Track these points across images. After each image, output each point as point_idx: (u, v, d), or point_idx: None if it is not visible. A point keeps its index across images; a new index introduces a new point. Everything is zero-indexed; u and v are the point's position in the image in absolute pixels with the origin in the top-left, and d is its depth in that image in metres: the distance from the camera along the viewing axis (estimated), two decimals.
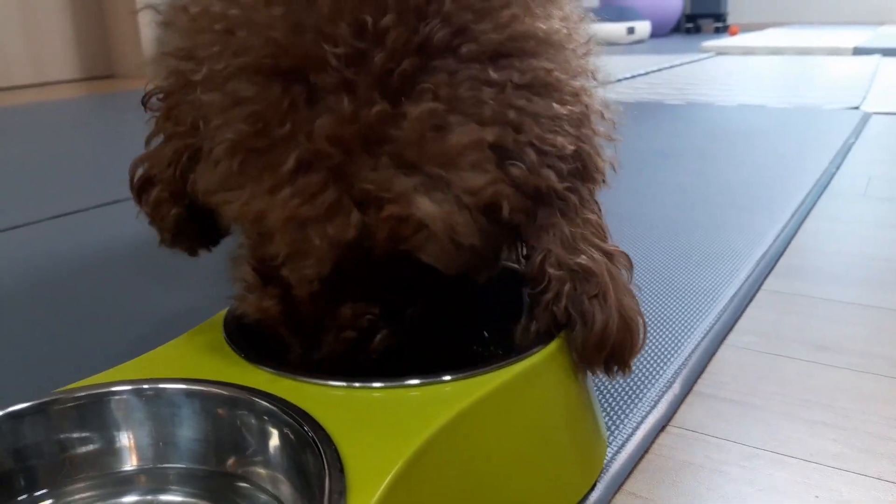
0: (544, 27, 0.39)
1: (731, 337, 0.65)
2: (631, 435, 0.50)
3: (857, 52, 3.01)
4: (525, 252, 0.44)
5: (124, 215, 1.04)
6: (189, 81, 0.40)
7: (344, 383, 0.39)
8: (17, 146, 1.63)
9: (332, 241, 0.36)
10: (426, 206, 0.35)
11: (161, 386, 0.36)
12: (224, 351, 0.42)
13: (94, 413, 0.36)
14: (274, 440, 0.33)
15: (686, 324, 0.66)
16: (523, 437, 0.41)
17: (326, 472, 0.29)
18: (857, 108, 1.77)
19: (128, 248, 0.90)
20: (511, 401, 0.40)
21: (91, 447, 0.35)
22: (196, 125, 0.40)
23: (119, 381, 0.36)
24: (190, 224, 0.46)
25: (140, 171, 0.47)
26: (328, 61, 0.35)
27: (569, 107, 0.39)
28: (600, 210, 0.43)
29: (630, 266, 0.43)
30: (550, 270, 0.40)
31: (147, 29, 2.92)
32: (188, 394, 0.36)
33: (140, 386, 0.36)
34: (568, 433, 0.44)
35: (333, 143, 0.34)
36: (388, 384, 0.39)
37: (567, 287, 0.40)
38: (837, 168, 1.21)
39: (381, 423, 0.35)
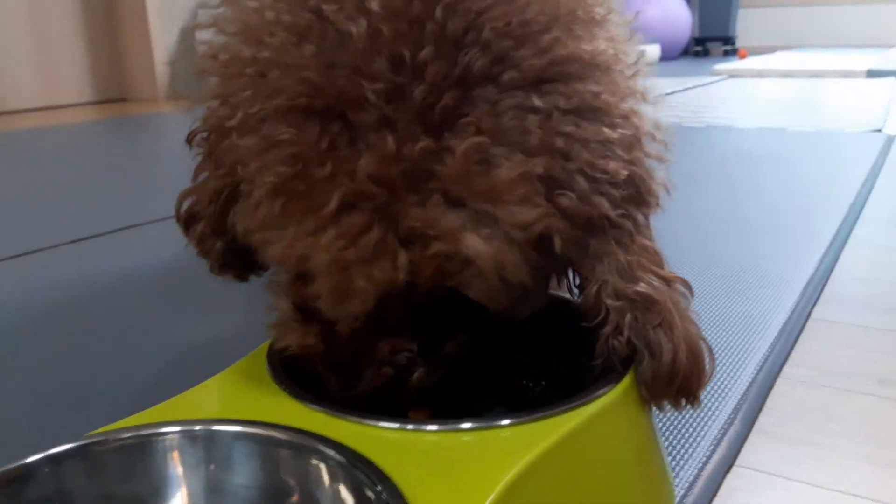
0: (589, 49, 0.38)
1: (787, 370, 0.62)
2: (697, 476, 0.47)
3: (871, 74, 3.00)
4: (578, 282, 0.42)
5: (142, 240, 1.02)
6: (225, 126, 0.40)
7: (398, 425, 0.36)
8: (28, 170, 1.61)
9: (378, 282, 0.35)
10: (474, 243, 0.34)
11: (215, 428, 0.33)
12: (271, 387, 0.40)
13: (141, 457, 0.33)
14: (342, 492, 0.30)
15: (738, 355, 0.63)
16: (594, 486, 0.38)
17: None
18: (879, 130, 1.75)
19: (147, 273, 0.88)
20: (581, 447, 0.37)
21: (138, 494, 0.33)
22: (234, 168, 0.39)
23: (165, 422, 0.33)
24: (235, 255, 0.46)
25: (186, 205, 0.48)
26: (366, 98, 0.34)
27: (619, 130, 0.38)
28: (651, 236, 0.41)
29: (690, 292, 0.41)
30: (608, 301, 0.38)
31: (160, 52, 2.95)
32: (242, 436, 0.33)
33: (191, 427, 0.33)
34: (639, 478, 0.41)
35: (377, 182, 0.33)
36: (442, 428, 0.36)
37: (628, 318, 0.38)
38: (869, 193, 1.19)
39: (446, 474, 0.33)
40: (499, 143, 0.34)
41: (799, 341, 0.67)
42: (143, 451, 0.33)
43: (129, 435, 0.33)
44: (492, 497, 0.31)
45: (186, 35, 3.01)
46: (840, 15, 4.63)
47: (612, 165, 0.36)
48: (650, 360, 0.38)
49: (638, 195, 0.39)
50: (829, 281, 0.82)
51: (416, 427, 0.36)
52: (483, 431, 0.36)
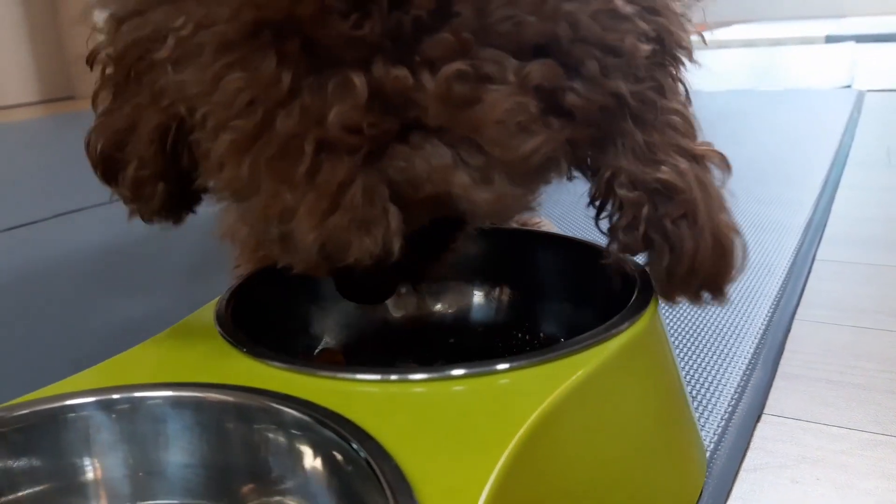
0: None
1: (801, 311, 0.56)
2: (725, 427, 0.40)
3: (830, 39, 3.01)
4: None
5: (74, 226, 0.93)
6: (149, 55, 0.32)
7: (378, 376, 0.29)
8: None
9: (370, 247, 0.29)
10: (465, 185, 0.29)
11: (138, 395, 0.26)
12: (219, 346, 0.32)
13: (45, 436, 0.25)
14: (309, 460, 0.23)
15: (749, 299, 0.57)
16: (616, 439, 0.31)
17: (392, 501, 0.20)
18: (849, 86, 1.73)
19: (80, 258, 0.79)
20: (599, 393, 0.31)
21: (42, 485, 0.25)
22: (175, 103, 0.32)
23: (78, 392, 0.26)
24: (180, 197, 0.38)
25: (100, 145, 0.38)
26: (325, 12, 0.27)
27: None
28: (688, 97, 0.35)
29: (727, 167, 0.35)
30: (621, 192, 0.32)
31: None
32: (177, 403, 0.26)
33: (109, 396, 0.26)
34: (665, 430, 0.35)
35: (352, 131, 0.28)
36: (432, 375, 0.29)
37: (645, 210, 0.31)
38: (852, 140, 1.15)
39: (443, 432, 0.26)
40: (487, 44, 0.28)
41: (809, 282, 0.62)
42: (48, 429, 0.25)
43: (28, 411, 0.26)
44: (503, 457, 0.24)
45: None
46: None
47: (629, 41, 0.29)
48: (668, 256, 0.32)
49: (664, 53, 0.32)
50: (831, 222, 0.77)
51: (401, 377, 0.29)
52: (478, 378, 0.29)
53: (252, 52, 0.28)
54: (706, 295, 0.34)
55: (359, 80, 0.27)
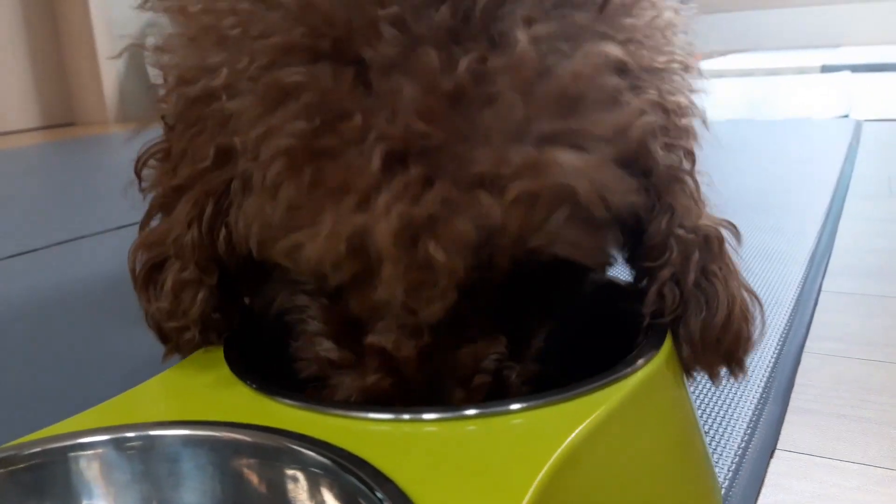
0: None
1: (810, 344, 0.56)
2: (739, 463, 0.40)
3: (825, 69, 3.04)
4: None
5: (79, 253, 0.93)
6: (199, 99, 0.30)
7: (391, 416, 0.29)
8: None
9: (462, 248, 0.26)
10: (562, 165, 0.25)
11: (153, 433, 0.25)
12: (229, 382, 0.32)
13: (57, 475, 0.25)
14: (331, 502, 0.23)
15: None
16: (634, 478, 0.31)
17: None
18: (846, 116, 1.75)
19: (87, 286, 0.79)
20: (617, 431, 0.30)
21: None
22: (225, 151, 0.29)
23: (91, 429, 0.26)
24: (223, 303, 0.34)
25: (143, 258, 0.35)
26: (380, 28, 0.26)
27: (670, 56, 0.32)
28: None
29: (738, 239, 0.34)
30: (680, 232, 0.31)
31: (109, 74, 2.83)
32: (191, 442, 0.25)
33: (123, 434, 0.25)
34: (682, 467, 0.34)
35: (426, 118, 0.24)
36: (444, 416, 0.29)
37: (696, 256, 0.31)
38: (853, 170, 1.16)
39: (461, 474, 0.25)
40: (559, 37, 0.26)
41: (816, 314, 0.61)
42: (57, 468, 0.25)
43: (39, 449, 0.25)
44: (526, 500, 0.24)
45: (135, 55, 2.90)
46: (790, 18, 4.74)
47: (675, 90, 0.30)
48: (705, 313, 0.31)
49: (684, 127, 0.32)
50: (835, 253, 0.77)
51: (414, 417, 0.29)
52: (492, 419, 0.29)
53: (308, 66, 0.26)
54: (723, 369, 0.33)
55: (432, 55, 0.25)
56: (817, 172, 1.14)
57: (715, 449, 0.41)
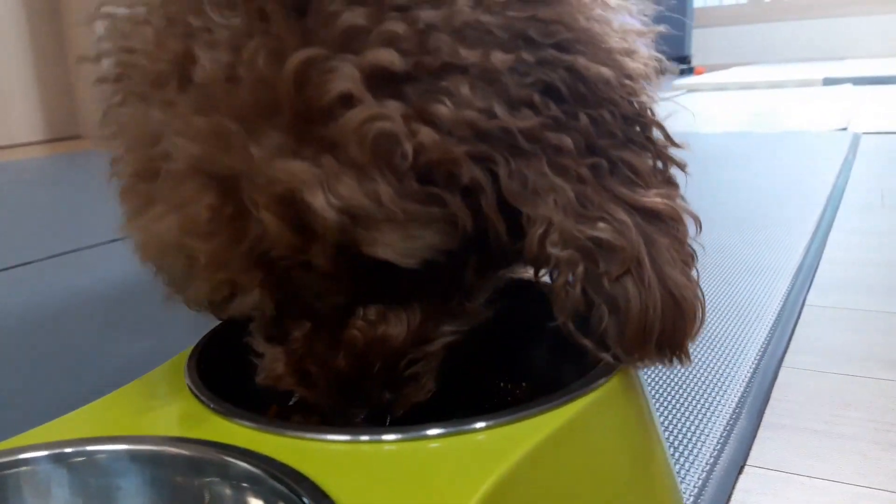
0: None
1: (789, 358, 0.56)
2: (706, 480, 0.40)
3: (827, 82, 3.04)
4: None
5: (82, 264, 0.93)
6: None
7: (348, 437, 0.29)
8: None
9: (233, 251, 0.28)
10: (288, 170, 0.26)
11: (92, 448, 0.25)
12: (187, 402, 0.32)
13: None
14: None
15: (735, 346, 0.57)
16: (586, 495, 0.31)
17: None
18: (844, 129, 1.74)
19: (90, 297, 0.79)
20: (569, 450, 0.30)
21: None
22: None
23: (30, 445, 0.26)
24: None
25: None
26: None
27: None
28: (650, 141, 0.32)
29: (693, 219, 0.33)
30: (552, 251, 0.29)
31: None
32: (132, 457, 0.25)
33: (61, 450, 0.25)
34: (639, 484, 0.34)
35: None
36: (405, 436, 0.29)
37: (580, 269, 0.29)
38: (846, 183, 1.15)
39: (404, 491, 0.25)
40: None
41: (797, 328, 0.61)
42: None
43: None
44: None
45: None
46: (793, 31, 4.74)
47: (525, 54, 0.27)
48: (612, 316, 0.30)
49: (587, 86, 0.29)
50: (822, 266, 0.76)
51: (373, 438, 0.29)
52: (453, 437, 0.29)
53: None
54: (668, 354, 0.32)
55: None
56: (810, 186, 1.14)
57: (683, 464, 0.41)
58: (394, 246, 0.27)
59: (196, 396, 0.32)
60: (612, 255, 0.29)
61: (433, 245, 0.29)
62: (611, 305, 0.30)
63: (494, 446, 0.28)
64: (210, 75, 0.27)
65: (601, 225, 0.29)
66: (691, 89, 3.39)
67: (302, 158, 0.26)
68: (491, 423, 0.29)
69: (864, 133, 1.67)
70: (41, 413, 0.52)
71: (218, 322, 0.40)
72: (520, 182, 0.28)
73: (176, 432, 0.28)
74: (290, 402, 0.43)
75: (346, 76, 0.26)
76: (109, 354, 0.63)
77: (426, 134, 0.26)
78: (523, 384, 0.44)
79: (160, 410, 0.31)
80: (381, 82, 0.26)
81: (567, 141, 0.29)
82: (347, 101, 0.26)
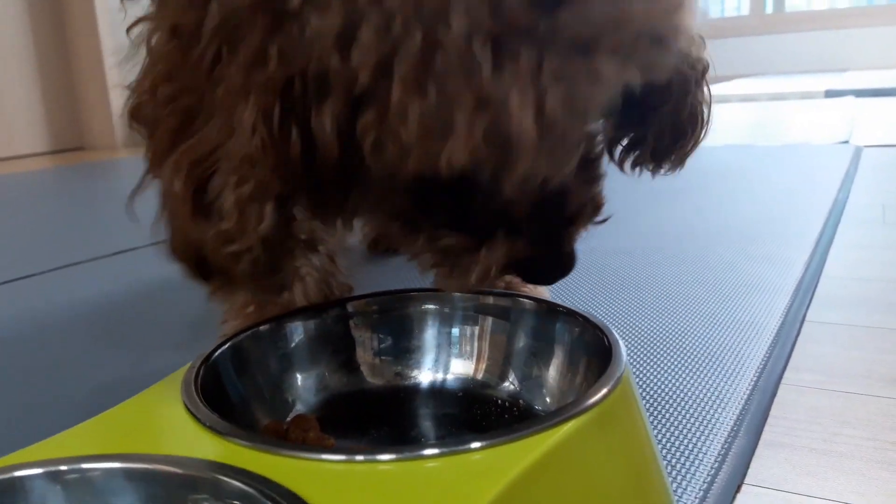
0: None
1: (789, 375, 0.55)
2: (704, 498, 0.39)
3: (829, 94, 3.04)
4: None
5: (78, 278, 0.93)
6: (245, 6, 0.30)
7: (343, 457, 0.29)
8: None
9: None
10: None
11: (86, 466, 0.25)
12: (183, 421, 0.32)
13: None
14: None
15: (734, 362, 0.57)
16: None
17: None
18: (846, 142, 1.74)
19: (91, 310, 0.79)
20: (565, 469, 0.30)
21: None
22: (283, 52, 0.29)
23: (27, 462, 0.26)
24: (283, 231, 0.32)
25: (182, 182, 0.32)
26: None
27: None
28: None
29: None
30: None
31: (118, 100, 2.87)
32: (127, 475, 0.26)
33: (56, 468, 0.25)
34: (636, 500, 0.34)
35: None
36: (400, 456, 0.29)
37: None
38: (847, 197, 1.15)
39: None
40: None
41: (797, 344, 0.61)
42: None
43: None
44: None
45: None
46: (795, 43, 4.75)
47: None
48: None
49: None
50: (822, 282, 0.76)
51: (368, 458, 0.29)
52: (448, 457, 0.29)
53: None
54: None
55: None
56: (811, 200, 1.14)
57: (680, 483, 0.41)
58: None
59: (192, 414, 0.32)
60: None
61: None
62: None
63: (490, 466, 0.28)
64: None
65: None
66: None
67: None
68: (487, 442, 0.29)
69: (866, 146, 1.68)
70: (37, 429, 0.52)
71: (211, 344, 0.40)
72: None
73: (171, 450, 0.28)
74: (288, 418, 0.43)
75: None
76: (108, 368, 0.63)
77: None
78: (520, 401, 0.44)
79: (156, 428, 0.31)
80: None
81: None
82: None
